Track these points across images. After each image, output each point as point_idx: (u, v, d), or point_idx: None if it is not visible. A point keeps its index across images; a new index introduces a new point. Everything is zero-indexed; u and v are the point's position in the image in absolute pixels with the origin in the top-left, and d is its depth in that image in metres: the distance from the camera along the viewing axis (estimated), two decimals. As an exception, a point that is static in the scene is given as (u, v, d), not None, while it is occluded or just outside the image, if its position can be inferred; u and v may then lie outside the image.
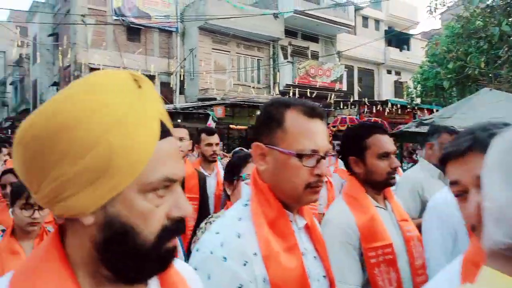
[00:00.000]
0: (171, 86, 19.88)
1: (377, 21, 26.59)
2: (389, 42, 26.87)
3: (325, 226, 1.73)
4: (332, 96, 20.76)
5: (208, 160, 3.43)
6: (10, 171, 3.10)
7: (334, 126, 16.24)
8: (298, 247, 1.18)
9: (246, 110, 19.76)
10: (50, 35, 21.30)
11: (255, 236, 1.13)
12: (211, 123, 11.66)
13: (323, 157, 1.20)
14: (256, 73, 21.48)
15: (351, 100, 21.16)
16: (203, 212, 3.03)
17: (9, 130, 23.24)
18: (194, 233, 2.65)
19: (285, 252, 1.14)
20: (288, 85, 20.73)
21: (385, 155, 1.80)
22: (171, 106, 18.65)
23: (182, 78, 20.07)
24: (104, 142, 0.59)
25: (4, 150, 4.69)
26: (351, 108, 21.15)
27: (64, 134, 0.58)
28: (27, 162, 0.62)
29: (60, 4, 20.44)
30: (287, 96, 17.76)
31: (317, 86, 21.39)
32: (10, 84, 32.65)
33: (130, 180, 0.62)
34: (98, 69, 17.35)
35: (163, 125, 0.68)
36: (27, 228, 2.13)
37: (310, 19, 21.12)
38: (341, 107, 21.24)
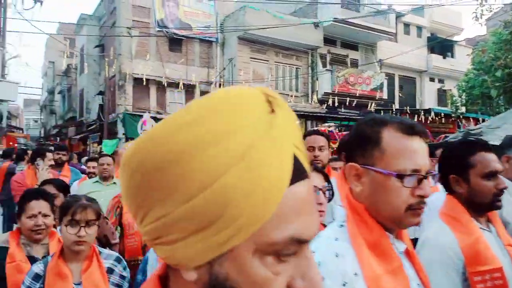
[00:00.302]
0: (210, 95, 20.21)
1: (419, 28, 25.95)
2: (432, 49, 26.15)
3: (423, 248, 1.61)
4: (373, 105, 20.43)
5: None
6: (50, 181, 3.02)
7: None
8: (403, 270, 1.12)
9: (284, 118, 19.74)
10: (96, 46, 22.24)
11: (355, 257, 1.08)
12: None
13: (425, 177, 1.13)
14: (294, 82, 21.49)
15: (393, 108, 20.73)
16: None
17: (57, 138, 24.31)
18: None
19: (389, 274, 1.08)
20: (326, 94, 20.59)
21: (492, 175, 1.67)
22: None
23: (221, 88, 20.36)
24: (221, 182, 0.47)
25: (49, 155, 4.64)
26: (391, 116, 20.68)
27: (174, 167, 0.48)
28: (131, 189, 0.53)
29: (106, 17, 21.33)
30: (326, 104, 17.63)
31: (357, 95, 21.11)
32: (58, 93, 34.24)
33: (246, 235, 0.49)
34: (141, 79, 18.07)
35: (297, 163, 0.52)
36: (74, 248, 1.95)
37: (350, 27, 20.93)
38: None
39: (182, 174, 0.48)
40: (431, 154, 2.93)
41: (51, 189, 2.77)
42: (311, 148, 2.89)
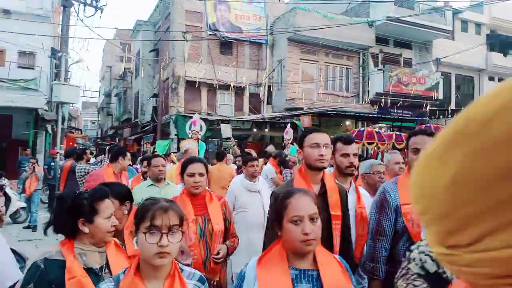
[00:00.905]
0: (259, 96, 20.37)
1: (478, 25, 24.68)
2: (492, 47, 24.80)
3: None
4: (427, 105, 19.69)
5: (344, 173, 2.87)
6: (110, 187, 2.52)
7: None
8: None
9: (334, 119, 19.52)
10: (151, 51, 23.08)
11: None
12: (288, 131, 11.64)
13: None
14: (345, 82, 21.15)
15: (449, 109, 19.88)
16: (346, 236, 2.52)
17: (114, 138, 25.38)
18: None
19: None
20: (378, 94, 20.10)
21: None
22: (259, 116, 19.10)
23: (270, 89, 20.47)
24: None
25: (128, 155, 4.77)
26: (447, 117, 19.87)
27: None
28: (463, 182, 0.34)
29: (160, 22, 22.07)
30: (378, 105, 16.95)
31: (411, 95, 20.44)
32: (115, 95, 35.87)
33: None
34: (193, 81, 18.52)
35: None
36: (154, 261, 1.57)
37: (404, 25, 20.30)
38: (437, 116, 20.02)
39: None
40: None
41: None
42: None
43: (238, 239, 3.10)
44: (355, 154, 2.87)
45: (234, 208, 4.40)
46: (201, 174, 2.91)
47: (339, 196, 2.49)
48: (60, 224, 1.95)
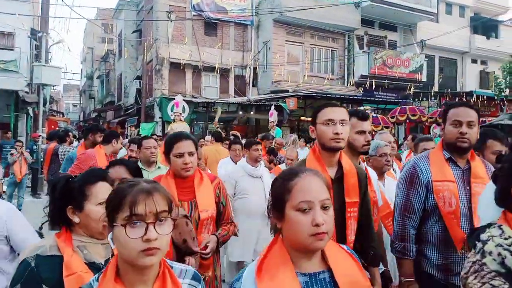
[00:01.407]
0: (245, 78, 20.25)
1: (462, 7, 24.82)
2: (475, 30, 25.02)
3: None
4: (411, 87, 19.87)
5: (358, 152, 2.53)
6: (122, 162, 2.39)
7: (392, 117, 15.53)
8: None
9: (319, 101, 19.56)
10: (134, 32, 22.62)
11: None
12: (273, 113, 11.60)
13: None
14: (330, 64, 21.15)
15: (432, 91, 20.10)
16: (365, 222, 2.24)
17: (100, 121, 24.99)
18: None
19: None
20: (363, 76, 20.19)
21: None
22: (244, 98, 19.03)
23: (256, 71, 20.35)
24: None
25: (120, 138, 4.78)
26: (431, 99, 20.11)
27: None
28: None
29: (144, 2, 21.60)
30: (363, 87, 17.24)
31: (395, 77, 20.58)
32: (97, 78, 35.20)
33: None
34: (178, 63, 18.27)
35: None
36: (140, 261, 1.18)
37: (389, 7, 20.31)
38: (421, 98, 20.25)
39: None
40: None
41: (121, 171, 2.22)
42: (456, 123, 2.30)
43: (234, 226, 2.74)
44: (369, 132, 2.58)
45: (234, 194, 4.20)
46: (191, 153, 2.46)
47: (357, 180, 2.19)
48: (52, 215, 1.69)
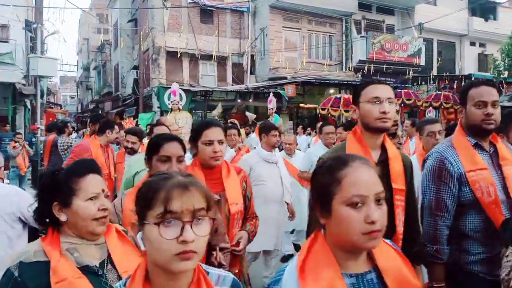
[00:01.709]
0: (243, 66, 20.13)
1: (459, -11, 24.62)
2: (473, 12, 24.83)
3: None
4: (410, 72, 19.79)
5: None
6: (177, 137, 2.23)
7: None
8: None
9: (317, 88, 19.49)
10: (129, 21, 22.40)
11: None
12: (271, 100, 11.53)
13: None
14: (328, 50, 21.03)
15: (431, 75, 20.02)
16: (411, 213, 2.09)
17: (99, 112, 24.88)
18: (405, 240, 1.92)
19: None
20: (361, 61, 20.08)
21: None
22: (242, 86, 18.94)
23: (253, 58, 20.23)
24: None
25: (116, 128, 4.76)
26: (430, 83, 20.05)
27: None
28: None
29: (138, -10, 21.36)
30: (361, 72, 17.18)
31: (393, 61, 20.48)
32: (94, 69, 34.98)
33: None
34: (175, 52, 18.12)
35: None
36: (174, 265, 1.03)
37: (386, -10, 20.14)
38: (420, 82, 20.18)
39: None
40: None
41: (179, 149, 2.11)
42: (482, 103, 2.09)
43: (258, 220, 2.61)
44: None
45: None
46: (220, 142, 2.31)
47: (402, 166, 2.02)
48: (38, 213, 1.52)
